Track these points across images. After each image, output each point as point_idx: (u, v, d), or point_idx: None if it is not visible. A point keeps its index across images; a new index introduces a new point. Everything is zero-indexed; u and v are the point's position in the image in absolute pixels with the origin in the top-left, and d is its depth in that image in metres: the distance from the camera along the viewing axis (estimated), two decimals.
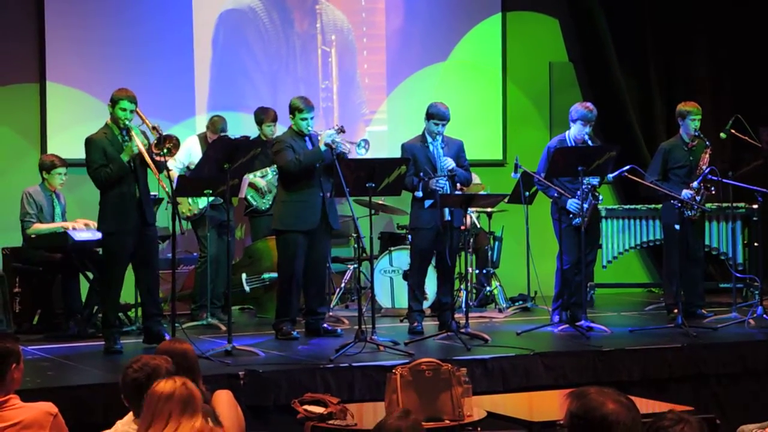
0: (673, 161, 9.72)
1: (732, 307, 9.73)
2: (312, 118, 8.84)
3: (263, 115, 10.38)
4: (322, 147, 8.61)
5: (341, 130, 8.85)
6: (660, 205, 10.15)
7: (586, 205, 9.06)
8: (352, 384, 7.29)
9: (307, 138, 8.83)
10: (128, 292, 8.60)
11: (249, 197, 10.33)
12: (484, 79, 12.64)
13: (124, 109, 8.14)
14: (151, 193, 8.71)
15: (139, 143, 8.04)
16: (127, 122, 8.14)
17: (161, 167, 8.21)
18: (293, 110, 8.83)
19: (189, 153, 9.90)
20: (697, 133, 9.65)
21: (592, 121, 9.27)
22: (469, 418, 5.77)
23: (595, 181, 9.20)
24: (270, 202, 10.23)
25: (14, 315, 9.38)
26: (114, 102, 8.19)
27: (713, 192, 9.56)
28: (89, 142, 8.19)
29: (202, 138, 10.18)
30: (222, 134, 9.86)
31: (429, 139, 8.96)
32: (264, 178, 10.24)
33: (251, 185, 10.30)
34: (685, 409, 6.03)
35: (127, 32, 11.04)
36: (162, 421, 3.99)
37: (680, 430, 3.43)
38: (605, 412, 3.44)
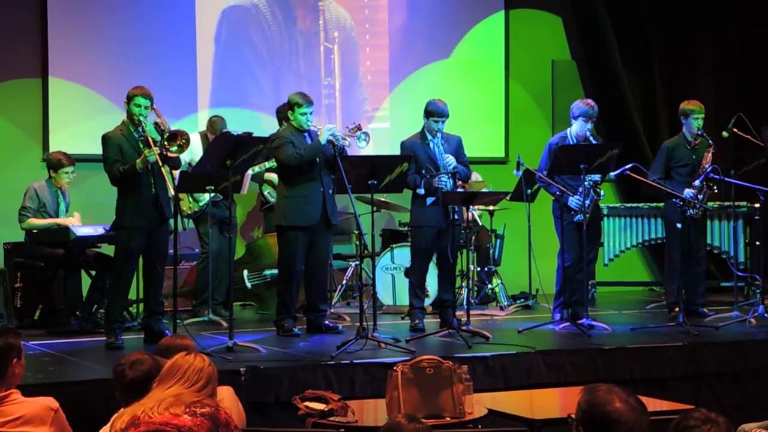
0: (676, 160, 9.71)
1: (733, 306, 9.73)
2: (311, 113, 8.82)
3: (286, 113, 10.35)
4: (323, 140, 8.60)
5: (358, 128, 8.84)
6: (662, 204, 10.15)
7: (588, 202, 9.06)
8: (353, 381, 7.28)
9: (306, 134, 8.83)
10: (132, 289, 8.61)
11: (266, 194, 10.35)
12: (487, 76, 12.65)
13: (139, 105, 8.17)
14: None
15: (156, 152, 8.02)
16: (141, 118, 8.16)
17: (175, 164, 8.23)
18: (292, 106, 8.83)
19: (191, 150, 9.88)
20: (699, 132, 9.64)
21: (593, 117, 9.27)
22: (469, 415, 5.76)
23: (596, 177, 9.20)
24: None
25: (16, 310, 9.40)
26: (129, 98, 8.22)
27: (716, 191, 9.56)
28: (106, 139, 8.22)
29: (203, 136, 10.17)
30: (225, 131, 9.86)
31: (429, 137, 8.95)
32: None
33: (268, 182, 10.31)
34: (686, 407, 6.03)
35: (130, 28, 11.05)
36: (184, 385, 4.05)
37: (708, 430, 3.42)
38: (608, 409, 3.44)
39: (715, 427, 3.41)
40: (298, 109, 8.77)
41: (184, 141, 8.00)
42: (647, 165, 10.01)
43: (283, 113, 10.38)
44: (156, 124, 8.18)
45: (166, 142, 7.98)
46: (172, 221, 8.41)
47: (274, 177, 10.26)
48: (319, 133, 8.72)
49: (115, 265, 8.53)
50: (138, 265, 8.41)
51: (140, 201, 8.18)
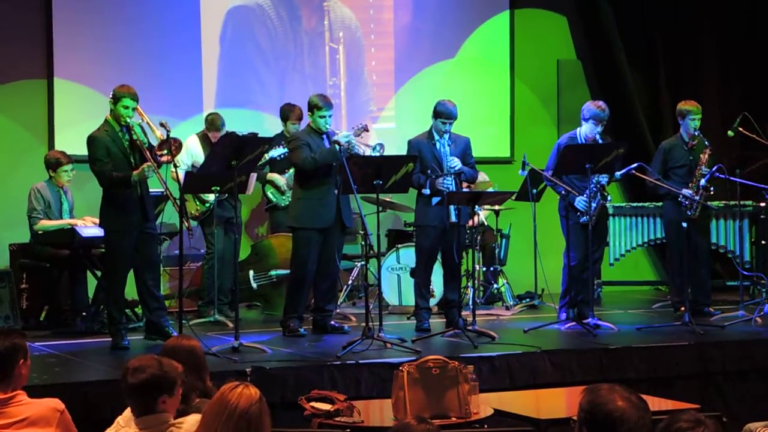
0: (673, 161, 9.70)
1: (739, 305, 9.73)
2: (330, 116, 8.83)
3: (289, 113, 10.36)
4: (337, 146, 8.61)
5: (365, 129, 8.85)
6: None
7: (594, 204, 9.05)
8: (359, 381, 7.28)
9: (324, 136, 8.83)
10: (133, 289, 8.62)
11: (269, 194, 10.34)
12: (493, 76, 12.65)
13: (127, 107, 8.11)
14: (155, 191, 8.70)
15: (156, 170, 8.01)
16: (128, 119, 8.13)
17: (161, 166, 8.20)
18: (312, 107, 8.83)
19: (190, 153, 9.88)
20: (696, 133, 9.62)
21: (604, 120, 9.23)
22: (475, 415, 5.77)
23: (604, 180, 9.18)
24: (290, 199, 10.22)
25: (21, 311, 9.40)
26: (116, 99, 8.15)
27: (712, 192, 9.53)
28: (92, 140, 8.16)
29: (201, 137, 10.13)
30: (230, 131, 9.87)
31: (436, 137, 8.95)
32: (284, 175, 10.24)
33: (270, 182, 10.29)
34: (692, 407, 6.03)
35: (135, 29, 11.06)
36: None
37: None
38: (611, 408, 3.44)
39: (705, 429, 3.40)
40: (317, 112, 8.78)
41: (174, 147, 7.97)
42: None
43: (285, 113, 10.39)
44: (161, 124, 8.16)
45: (157, 150, 7.96)
46: (170, 222, 8.42)
47: (276, 177, 10.26)
48: (335, 136, 8.73)
49: (107, 267, 8.53)
50: (130, 265, 8.37)
51: (126, 204, 8.14)
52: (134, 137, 8.08)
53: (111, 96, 8.19)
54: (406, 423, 3.84)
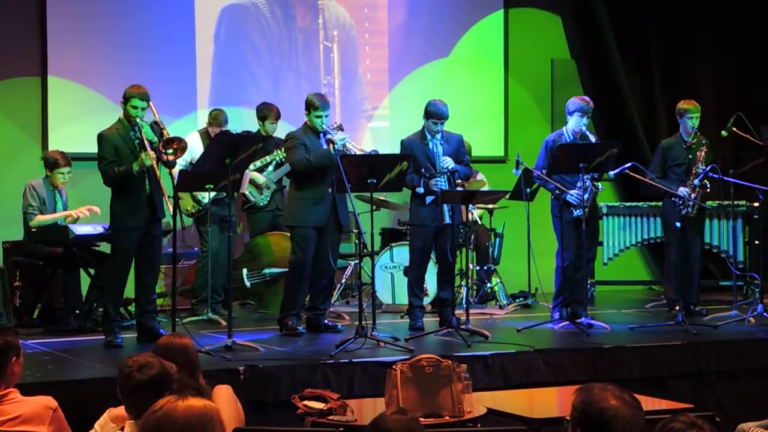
0: (672, 159, 9.74)
1: (732, 305, 9.73)
2: (327, 116, 8.82)
3: (267, 112, 10.34)
4: (332, 149, 8.60)
5: (339, 128, 8.85)
6: (661, 203, 10.16)
7: (586, 196, 9.05)
8: (352, 380, 7.28)
9: (321, 135, 8.82)
10: (128, 287, 8.62)
11: (247, 193, 10.32)
12: (487, 75, 12.65)
13: (136, 107, 8.15)
14: None
15: (152, 156, 8.02)
16: (138, 120, 8.15)
17: (169, 165, 8.23)
18: (308, 107, 8.81)
19: (190, 149, 9.86)
20: (694, 131, 9.65)
21: (588, 112, 9.26)
22: (469, 414, 5.77)
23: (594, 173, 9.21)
24: (268, 198, 10.24)
25: (14, 309, 9.39)
26: (126, 99, 8.21)
27: (708, 190, 9.56)
28: (101, 138, 8.21)
29: (203, 133, 10.17)
30: (225, 129, 9.88)
31: (428, 137, 8.95)
32: (263, 173, 10.23)
33: (250, 181, 10.29)
34: (685, 406, 6.03)
35: (129, 28, 11.04)
36: None
37: None
38: (604, 407, 3.45)
39: None
40: (314, 111, 8.77)
41: (179, 147, 7.99)
42: (645, 164, 10.02)
43: (262, 112, 10.37)
44: (155, 123, 8.18)
45: (162, 148, 7.97)
46: (165, 221, 8.43)
47: (255, 175, 10.23)
48: (333, 137, 8.73)
49: (111, 264, 8.53)
50: (132, 264, 8.38)
51: (135, 202, 8.17)
52: (147, 160, 8.08)
53: (122, 96, 8.25)
54: (381, 415, 3.81)
